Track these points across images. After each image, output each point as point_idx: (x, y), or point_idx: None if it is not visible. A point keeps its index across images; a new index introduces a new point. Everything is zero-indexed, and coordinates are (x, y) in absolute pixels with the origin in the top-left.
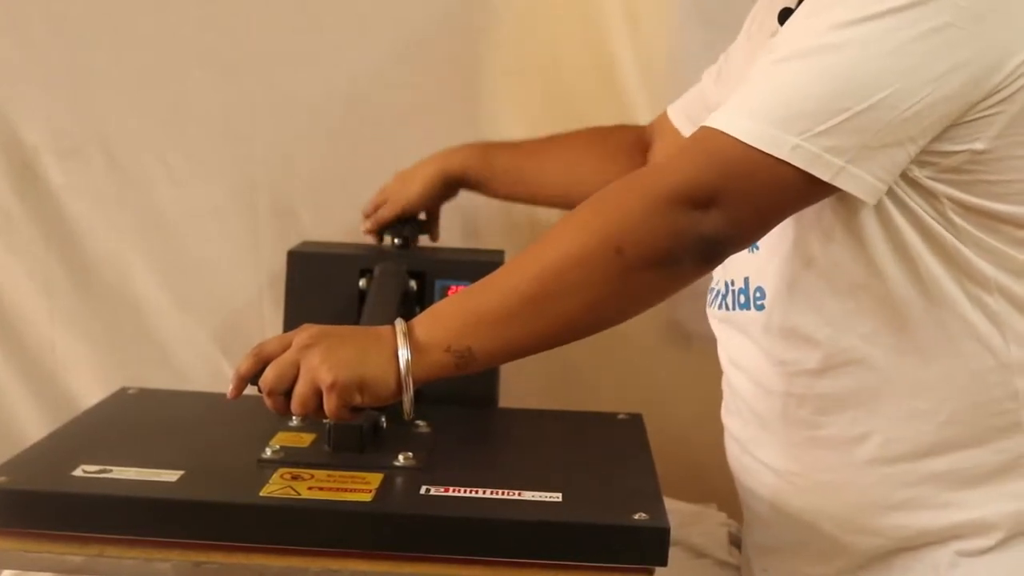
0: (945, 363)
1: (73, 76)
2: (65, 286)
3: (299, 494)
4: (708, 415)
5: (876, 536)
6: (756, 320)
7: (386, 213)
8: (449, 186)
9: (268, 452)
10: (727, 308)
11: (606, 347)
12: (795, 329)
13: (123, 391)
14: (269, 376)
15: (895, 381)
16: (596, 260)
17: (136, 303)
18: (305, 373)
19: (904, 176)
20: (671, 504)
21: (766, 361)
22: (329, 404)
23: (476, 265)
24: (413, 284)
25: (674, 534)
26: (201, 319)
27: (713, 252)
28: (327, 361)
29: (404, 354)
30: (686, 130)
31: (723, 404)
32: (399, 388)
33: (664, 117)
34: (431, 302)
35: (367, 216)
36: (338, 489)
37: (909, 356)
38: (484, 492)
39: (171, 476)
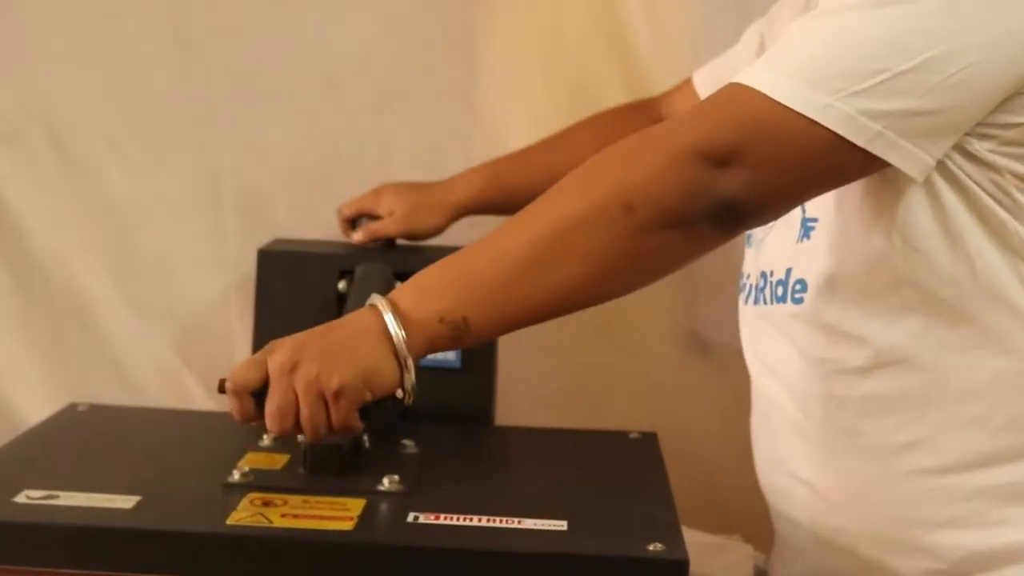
0: (999, 363)
1: (12, 50)
2: (5, 288)
3: (271, 522)
4: (730, 434)
5: (923, 557)
6: (794, 315)
7: (390, 230)
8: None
9: (236, 475)
10: (763, 302)
11: (617, 357)
12: (837, 325)
13: (72, 407)
14: (275, 421)
15: (944, 383)
16: (603, 218)
17: (86, 307)
18: (306, 391)
19: (961, 149)
20: (690, 534)
21: (803, 361)
22: (338, 413)
23: None
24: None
25: (693, 567)
26: (160, 326)
27: (731, 216)
28: (324, 368)
29: (397, 332)
30: None
31: (752, 419)
32: (401, 371)
33: (689, 93)
34: None
35: (346, 217)
36: (315, 517)
37: (959, 355)
38: (479, 520)
39: (126, 502)
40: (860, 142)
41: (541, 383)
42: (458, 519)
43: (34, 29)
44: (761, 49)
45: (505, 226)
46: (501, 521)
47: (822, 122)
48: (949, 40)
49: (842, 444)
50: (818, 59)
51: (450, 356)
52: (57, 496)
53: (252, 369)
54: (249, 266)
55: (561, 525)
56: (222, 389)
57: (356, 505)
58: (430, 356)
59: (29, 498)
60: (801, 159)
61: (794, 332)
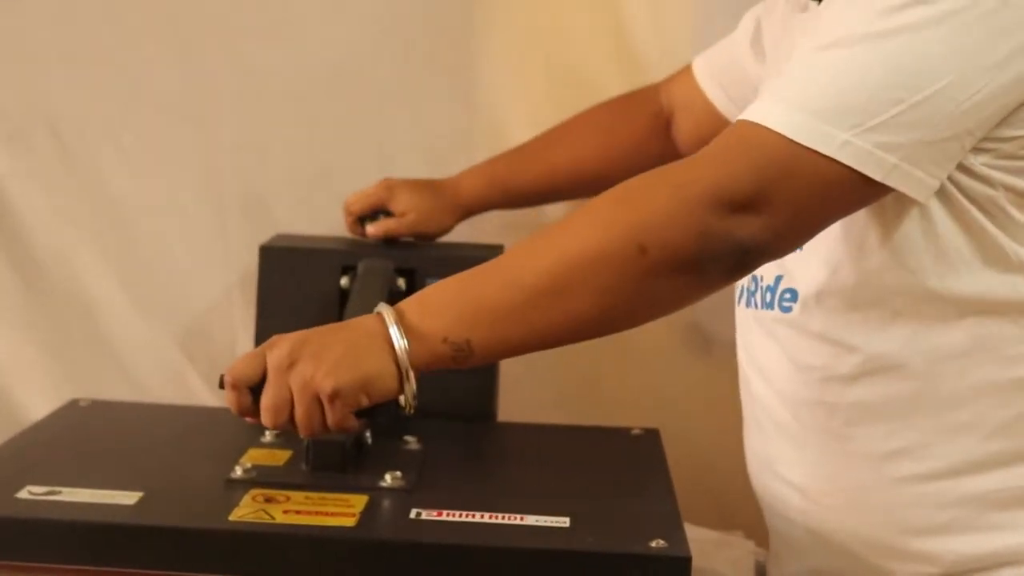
0: (988, 370)
1: (15, 50)
2: (9, 285)
3: (273, 519)
4: (733, 430)
5: (916, 562)
6: (781, 321)
7: (403, 230)
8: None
9: (238, 471)
10: (754, 306)
11: (619, 354)
12: (825, 333)
13: (74, 403)
14: (269, 416)
15: (934, 390)
16: (615, 258)
17: (89, 305)
18: (301, 391)
19: (958, 164)
20: (692, 531)
21: (793, 366)
22: (333, 414)
23: (471, 262)
24: (401, 282)
25: (695, 563)
26: (163, 323)
27: (745, 261)
28: (321, 368)
29: (400, 342)
30: (717, 99)
31: (744, 420)
32: (401, 381)
33: (688, 81)
34: None
35: (356, 213)
36: (317, 513)
37: (949, 362)
38: (482, 516)
39: (128, 499)
40: (878, 176)
41: (543, 380)
42: (460, 515)
43: (36, 29)
44: (757, 35)
45: (516, 253)
46: (503, 518)
47: (841, 160)
48: (959, 66)
49: (832, 449)
50: (830, 94)
51: None
52: (59, 492)
53: (251, 364)
54: (251, 262)
55: (563, 522)
56: (223, 385)
57: (358, 501)
58: None
59: (32, 494)
60: (820, 198)
61: (783, 338)
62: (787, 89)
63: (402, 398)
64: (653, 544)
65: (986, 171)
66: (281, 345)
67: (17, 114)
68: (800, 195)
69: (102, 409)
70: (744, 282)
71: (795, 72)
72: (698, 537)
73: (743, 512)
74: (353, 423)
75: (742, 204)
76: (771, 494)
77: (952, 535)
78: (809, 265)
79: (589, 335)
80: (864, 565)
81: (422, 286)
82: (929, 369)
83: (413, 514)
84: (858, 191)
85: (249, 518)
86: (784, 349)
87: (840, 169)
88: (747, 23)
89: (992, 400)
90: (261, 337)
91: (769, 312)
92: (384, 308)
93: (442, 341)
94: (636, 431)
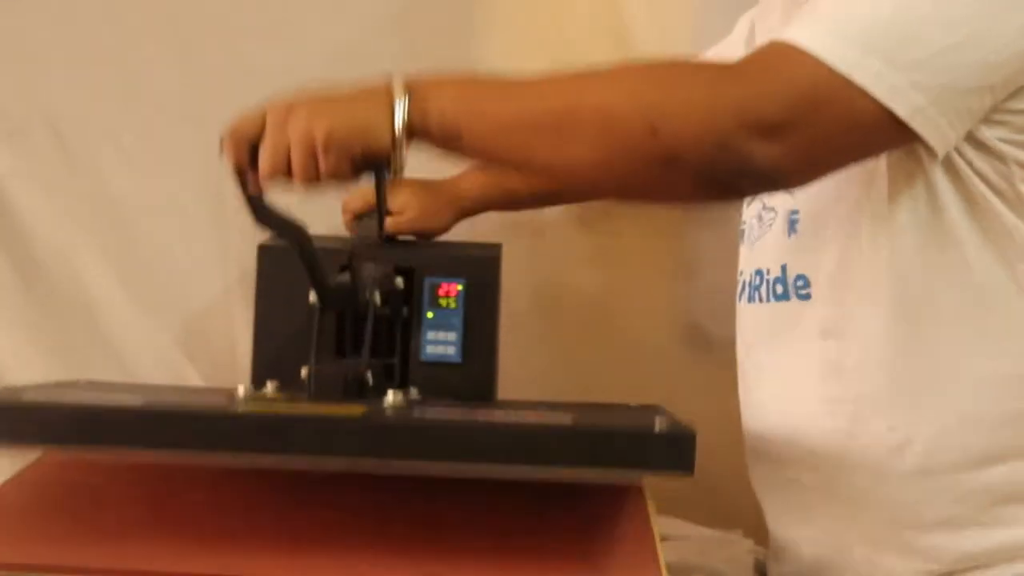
0: (993, 364)
1: (15, 48)
2: (9, 284)
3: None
4: (732, 429)
5: (917, 558)
6: (795, 312)
7: (403, 228)
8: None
9: (241, 398)
10: (759, 300)
11: (617, 351)
12: (831, 325)
13: (73, 383)
14: (267, 161)
15: (938, 384)
16: (624, 125)
17: (89, 303)
18: (298, 137)
19: (970, 137)
20: (691, 529)
21: (796, 360)
22: (327, 160)
23: (470, 261)
24: (400, 282)
25: (695, 562)
26: (162, 321)
27: (747, 185)
28: (315, 112)
29: (400, 101)
30: None
31: (743, 417)
32: (394, 139)
33: None
34: (419, 302)
35: (354, 211)
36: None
37: (953, 357)
38: (485, 416)
39: (135, 401)
40: (904, 114)
41: (542, 377)
42: (464, 415)
43: (36, 29)
44: (752, 39)
45: (538, 80)
46: (506, 417)
47: (874, 92)
48: (990, 19)
49: (834, 443)
50: (867, 27)
51: (451, 351)
52: (66, 394)
53: (251, 119)
54: (250, 261)
55: (566, 419)
56: (223, 147)
57: (362, 409)
58: (430, 350)
59: (38, 394)
60: (845, 131)
61: (788, 330)
62: (825, 15)
63: (392, 160)
64: (658, 425)
65: (1000, 146)
66: (280, 102)
67: (17, 113)
68: (827, 126)
69: (99, 385)
70: (746, 277)
71: (832, 7)
72: (697, 535)
73: (742, 510)
74: (347, 173)
75: (769, 128)
76: (771, 491)
77: (954, 530)
78: (817, 251)
79: (564, 180)
80: (865, 563)
81: (420, 285)
82: (932, 363)
83: (416, 413)
84: (881, 130)
85: (256, 410)
86: (788, 343)
87: (870, 103)
88: (742, 26)
89: (995, 394)
90: (260, 336)
91: (771, 306)
92: (397, 74)
93: (437, 122)
94: (635, 406)
